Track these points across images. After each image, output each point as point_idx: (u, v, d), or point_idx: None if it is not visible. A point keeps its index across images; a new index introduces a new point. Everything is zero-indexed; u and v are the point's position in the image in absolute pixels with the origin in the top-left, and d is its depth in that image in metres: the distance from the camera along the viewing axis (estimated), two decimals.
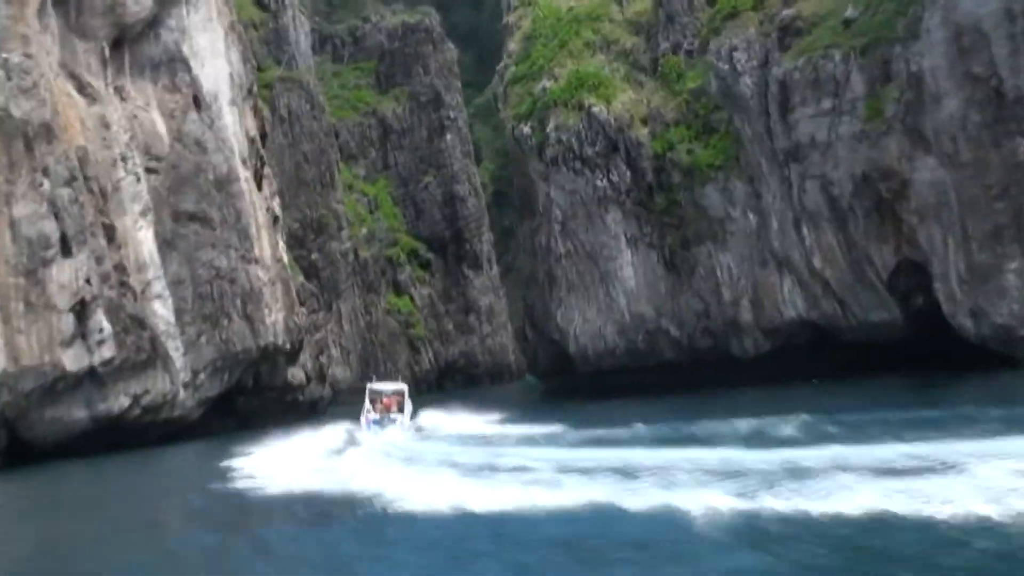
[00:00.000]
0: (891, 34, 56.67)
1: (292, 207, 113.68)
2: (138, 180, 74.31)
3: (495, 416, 60.66)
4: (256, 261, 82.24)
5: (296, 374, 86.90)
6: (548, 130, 71.10)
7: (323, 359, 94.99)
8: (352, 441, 55.39)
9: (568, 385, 79.84)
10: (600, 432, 41.36)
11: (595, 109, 69.95)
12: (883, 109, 56.13)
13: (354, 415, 64.87)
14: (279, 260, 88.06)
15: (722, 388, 62.38)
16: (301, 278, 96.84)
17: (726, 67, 63.83)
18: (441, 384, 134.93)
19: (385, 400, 64.43)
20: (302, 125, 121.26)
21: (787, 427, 35.90)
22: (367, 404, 63.74)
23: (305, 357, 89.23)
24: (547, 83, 73.16)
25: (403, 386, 68.57)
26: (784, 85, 60.95)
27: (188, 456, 62.18)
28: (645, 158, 68.58)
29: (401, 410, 62.78)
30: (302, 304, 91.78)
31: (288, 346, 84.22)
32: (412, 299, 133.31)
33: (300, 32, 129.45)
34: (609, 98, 70.47)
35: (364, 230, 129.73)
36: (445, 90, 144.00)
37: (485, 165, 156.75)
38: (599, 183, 68.22)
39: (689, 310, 67.53)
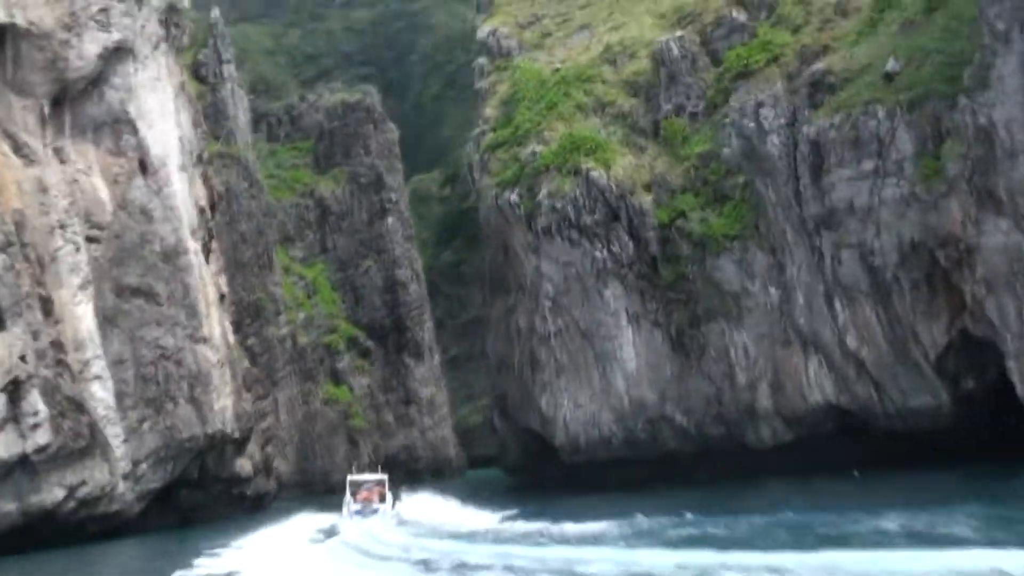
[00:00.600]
0: (943, 87, 51.42)
1: (228, 289, 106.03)
2: (78, 250, 67.30)
3: (495, 511, 53.89)
4: (205, 341, 74.87)
5: (244, 465, 79.10)
6: (540, 197, 64.80)
7: (269, 449, 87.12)
8: (333, 532, 48.82)
9: (546, 478, 72.92)
10: (688, 530, 34.03)
11: (593, 174, 63.84)
12: (942, 168, 50.50)
13: (300, 510, 64.54)
14: (226, 341, 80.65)
15: (738, 481, 55.77)
16: (246, 362, 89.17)
17: (751, 125, 58.06)
18: None
19: (366, 491, 62.79)
20: (240, 204, 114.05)
21: (950, 524, 28.72)
22: (347, 495, 62.55)
23: (253, 447, 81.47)
24: (536, 147, 66.95)
25: (384, 476, 67.33)
26: (817, 145, 55.36)
27: (142, 556, 54.04)
28: (649, 227, 62.45)
29: (383, 500, 61.30)
30: (248, 390, 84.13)
31: (237, 434, 76.60)
32: (351, 389, 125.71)
33: (239, 107, 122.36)
34: (608, 162, 64.37)
35: (302, 315, 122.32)
36: (387, 171, 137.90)
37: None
38: (598, 254, 61.79)
39: (698, 395, 61.02)
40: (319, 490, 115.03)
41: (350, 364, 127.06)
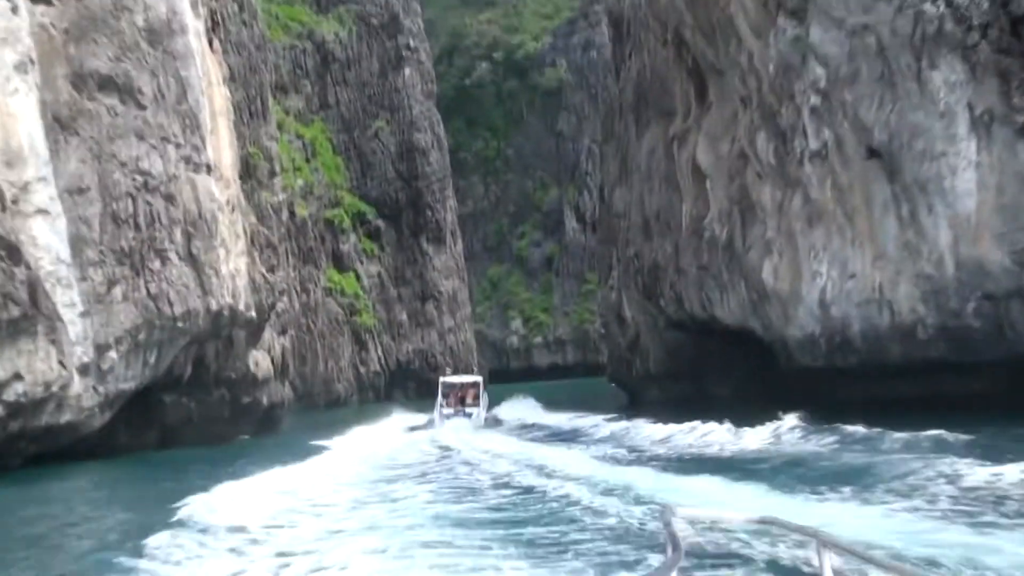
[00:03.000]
0: None
1: None
2: (14, 10, 42.30)
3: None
4: (209, 169, 49.32)
5: (261, 361, 53.79)
6: None
7: (285, 342, 61.42)
8: None
9: (724, 392, 48.18)
10: None
11: None
12: None
13: (318, 431, 50.20)
14: (237, 176, 55.18)
15: None
16: (253, 218, 63.25)
17: None
18: (390, 393, 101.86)
19: (458, 392, 59.98)
20: (228, 31, 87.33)
21: None
22: (439, 398, 59.15)
23: (270, 336, 56.12)
24: None
25: (479, 378, 64.63)
26: None
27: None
28: None
29: (477, 402, 57.84)
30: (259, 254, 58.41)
31: (253, 313, 51.35)
32: (358, 277, 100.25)
33: None
34: None
35: (300, 183, 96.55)
36: (403, 11, 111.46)
37: None
38: (928, 8, 35.14)
39: None
40: (320, 401, 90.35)
41: (356, 247, 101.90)
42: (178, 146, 47.23)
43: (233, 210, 50.64)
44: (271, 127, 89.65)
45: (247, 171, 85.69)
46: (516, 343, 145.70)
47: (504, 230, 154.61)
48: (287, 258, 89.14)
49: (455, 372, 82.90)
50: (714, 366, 50.29)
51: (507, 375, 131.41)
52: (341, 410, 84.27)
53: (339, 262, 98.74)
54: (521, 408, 61.24)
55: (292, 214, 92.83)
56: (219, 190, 49.11)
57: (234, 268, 49.23)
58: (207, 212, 47.78)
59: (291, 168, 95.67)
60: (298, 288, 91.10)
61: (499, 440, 42.38)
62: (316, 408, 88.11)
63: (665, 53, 49.18)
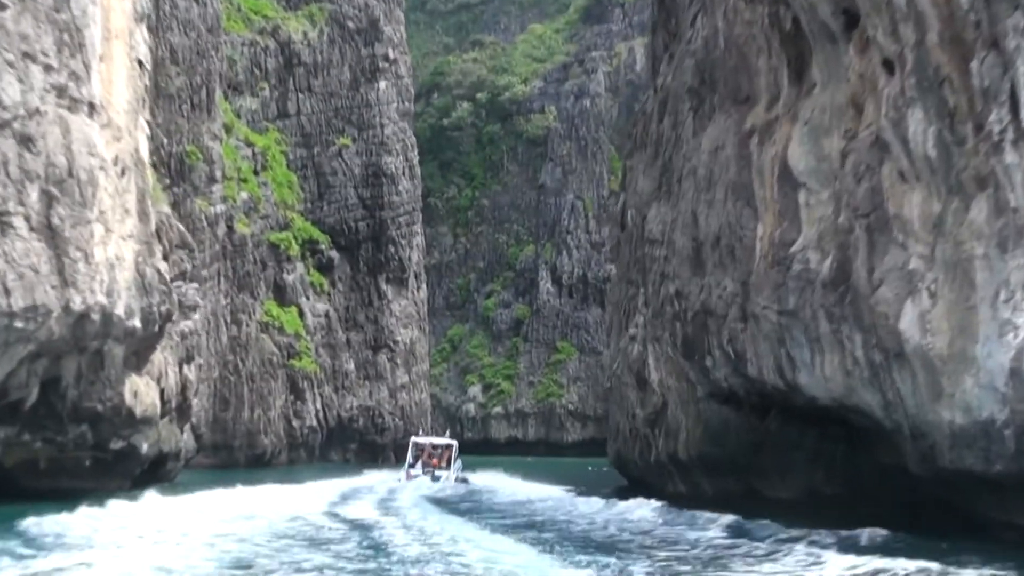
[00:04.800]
0: None
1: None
2: None
3: None
4: (92, 110, 34.23)
5: (144, 392, 38.43)
6: None
7: (189, 373, 46.09)
8: None
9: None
10: None
11: None
12: None
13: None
14: (139, 133, 40.07)
15: None
16: (167, 207, 48.21)
17: None
18: (326, 453, 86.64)
19: (429, 454, 59.80)
20: (175, 4, 73.24)
21: None
22: (408, 458, 58.37)
23: (163, 359, 40.85)
24: None
25: (452, 441, 64.83)
26: None
27: None
28: None
29: (448, 466, 57.74)
30: (164, 256, 43.08)
31: (137, 323, 36.10)
32: (301, 314, 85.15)
33: None
34: None
35: (244, 195, 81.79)
36: (385, 18, 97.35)
37: None
38: None
39: None
40: (240, 457, 75.06)
41: (303, 279, 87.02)
42: (48, 69, 32.40)
43: (124, 173, 35.66)
44: (215, 125, 75.29)
45: (181, 172, 71.22)
46: (473, 411, 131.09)
47: (470, 286, 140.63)
48: (218, 281, 74.36)
49: (416, 434, 73.42)
50: (776, 458, 35.65)
51: (460, 446, 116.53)
52: (266, 471, 68.50)
53: (281, 294, 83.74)
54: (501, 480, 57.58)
55: (230, 230, 78.20)
56: (104, 140, 34.21)
57: (115, 255, 34.25)
58: (81, 169, 32.82)
59: (235, 178, 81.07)
60: (228, 318, 76.07)
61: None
62: (235, 465, 72.87)
63: (750, 14, 34.96)
